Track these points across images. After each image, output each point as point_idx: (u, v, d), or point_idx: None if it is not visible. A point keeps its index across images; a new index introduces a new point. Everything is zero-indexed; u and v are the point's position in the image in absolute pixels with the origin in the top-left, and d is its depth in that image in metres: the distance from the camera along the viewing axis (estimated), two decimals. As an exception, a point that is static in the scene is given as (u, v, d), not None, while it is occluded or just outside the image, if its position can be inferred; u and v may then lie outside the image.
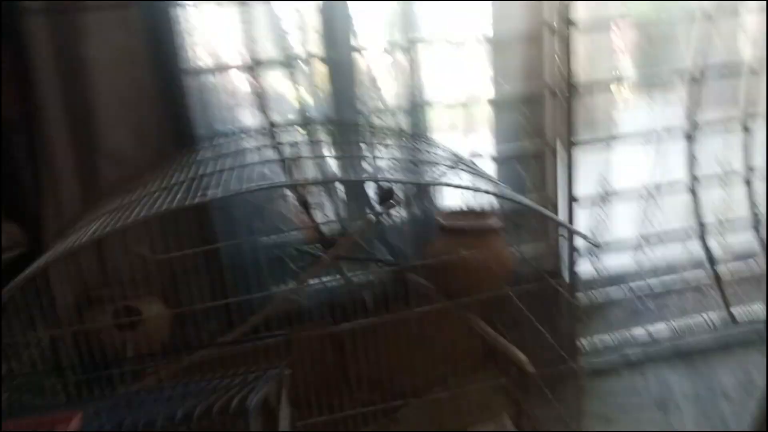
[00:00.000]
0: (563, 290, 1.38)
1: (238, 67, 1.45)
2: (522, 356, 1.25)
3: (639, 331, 1.77)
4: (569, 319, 1.56)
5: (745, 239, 1.83)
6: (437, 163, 1.20)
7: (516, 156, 1.66)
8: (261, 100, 1.47)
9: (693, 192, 1.74)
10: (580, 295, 1.72)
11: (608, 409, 1.57)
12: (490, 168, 1.66)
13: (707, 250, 1.77)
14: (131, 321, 1.28)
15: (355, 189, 1.53)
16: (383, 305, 1.36)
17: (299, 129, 1.49)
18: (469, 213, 1.46)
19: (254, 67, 1.44)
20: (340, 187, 1.53)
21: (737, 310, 1.79)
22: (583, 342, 1.72)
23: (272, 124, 1.48)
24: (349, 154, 1.35)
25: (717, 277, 1.79)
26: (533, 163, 1.68)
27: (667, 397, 1.59)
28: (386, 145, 1.37)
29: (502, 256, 1.36)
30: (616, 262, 1.78)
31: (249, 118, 1.50)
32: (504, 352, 1.27)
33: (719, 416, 1.49)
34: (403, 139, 1.48)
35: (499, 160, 1.66)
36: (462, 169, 1.20)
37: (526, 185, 1.68)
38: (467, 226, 1.37)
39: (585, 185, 1.66)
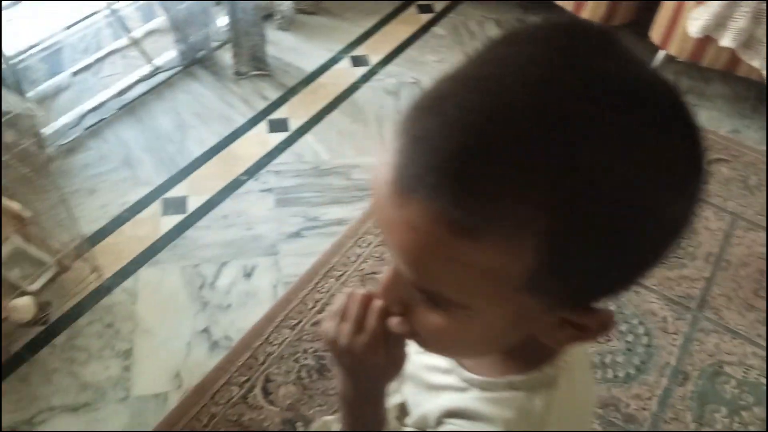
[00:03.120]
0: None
1: None
2: (15, 206, 1.45)
3: (90, 104, 2.05)
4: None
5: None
6: None
7: None
8: None
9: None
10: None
11: (88, 182, 1.92)
12: None
13: (120, 20, 2.06)
14: None
15: None
16: None
17: None
18: None
19: None
20: None
21: (156, 61, 2.20)
22: (44, 130, 1.92)
23: None
24: None
25: (133, 39, 2.12)
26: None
27: (129, 154, 2.01)
28: None
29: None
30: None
31: None
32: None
33: (169, 157, 2.01)
34: None
35: None
36: None
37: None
38: None
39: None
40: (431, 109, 0.41)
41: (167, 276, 1.72)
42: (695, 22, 2.02)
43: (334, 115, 2.20)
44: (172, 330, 1.62)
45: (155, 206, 1.87)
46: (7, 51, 1.76)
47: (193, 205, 1.89)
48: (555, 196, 0.38)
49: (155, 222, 1.84)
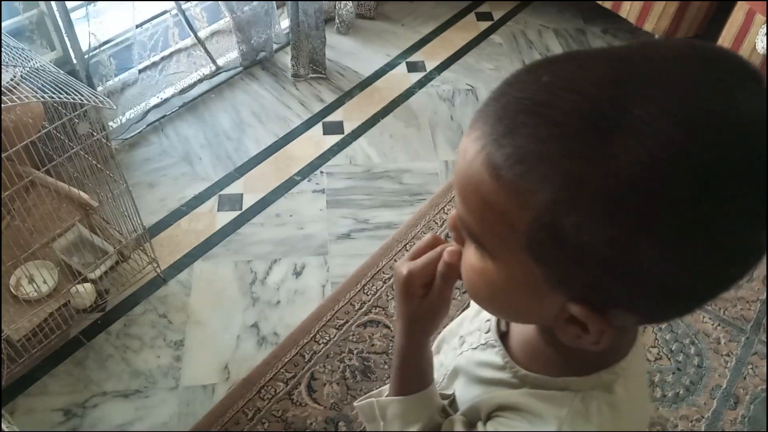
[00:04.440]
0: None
1: None
2: (84, 195, 1.51)
3: (154, 100, 2.12)
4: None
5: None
6: None
7: None
8: None
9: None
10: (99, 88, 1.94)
11: (149, 175, 1.99)
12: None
13: (188, 20, 2.12)
14: None
15: None
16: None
17: None
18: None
19: None
20: None
21: (219, 61, 2.27)
22: (111, 123, 2.00)
23: None
24: None
25: (199, 39, 2.19)
26: None
27: (189, 150, 2.07)
28: None
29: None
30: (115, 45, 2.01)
31: None
32: (68, 194, 1.50)
33: (227, 155, 2.06)
34: None
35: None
36: None
37: None
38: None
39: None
40: (539, 67, 0.44)
41: (220, 270, 1.77)
42: (765, 38, 1.96)
43: (388, 120, 2.22)
44: (222, 323, 1.67)
45: (212, 202, 1.93)
46: (82, 47, 1.84)
47: (248, 202, 1.94)
48: (576, 169, 0.39)
49: (211, 217, 1.89)
